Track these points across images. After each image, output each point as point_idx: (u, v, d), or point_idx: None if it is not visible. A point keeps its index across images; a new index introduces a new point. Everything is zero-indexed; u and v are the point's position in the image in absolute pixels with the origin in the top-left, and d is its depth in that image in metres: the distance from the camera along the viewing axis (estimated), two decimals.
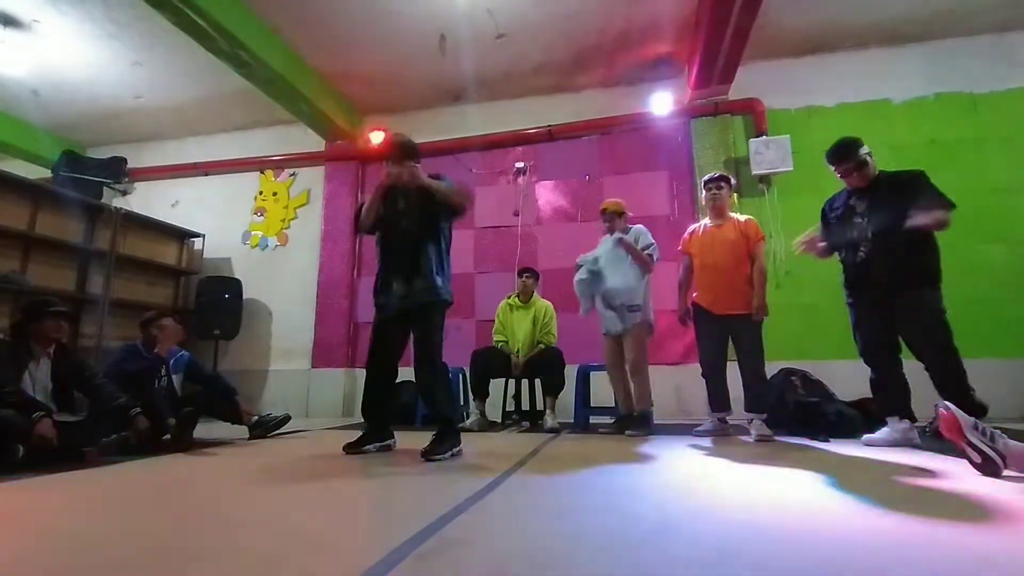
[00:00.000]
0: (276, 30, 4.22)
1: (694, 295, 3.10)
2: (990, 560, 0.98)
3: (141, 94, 5.16)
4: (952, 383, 2.29)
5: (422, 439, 3.02)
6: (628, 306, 3.09)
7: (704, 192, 3.13)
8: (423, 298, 2.37)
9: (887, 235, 2.43)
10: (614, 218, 3.26)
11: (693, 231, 3.20)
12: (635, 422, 3.07)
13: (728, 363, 3.02)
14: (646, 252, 3.13)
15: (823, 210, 2.80)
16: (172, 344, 3.17)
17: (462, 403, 3.99)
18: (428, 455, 2.21)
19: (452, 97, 5.17)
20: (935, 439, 2.31)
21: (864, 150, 2.57)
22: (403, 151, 2.49)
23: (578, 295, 3.24)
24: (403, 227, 2.45)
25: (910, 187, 2.46)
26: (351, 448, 2.50)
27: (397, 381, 4.20)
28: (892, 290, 2.43)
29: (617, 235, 3.19)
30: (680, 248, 3.23)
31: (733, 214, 3.12)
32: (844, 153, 2.60)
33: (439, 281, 2.39)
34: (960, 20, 4.12)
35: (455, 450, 2.32)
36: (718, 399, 3.00)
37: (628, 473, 1.95)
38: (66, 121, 5.66)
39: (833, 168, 2.64)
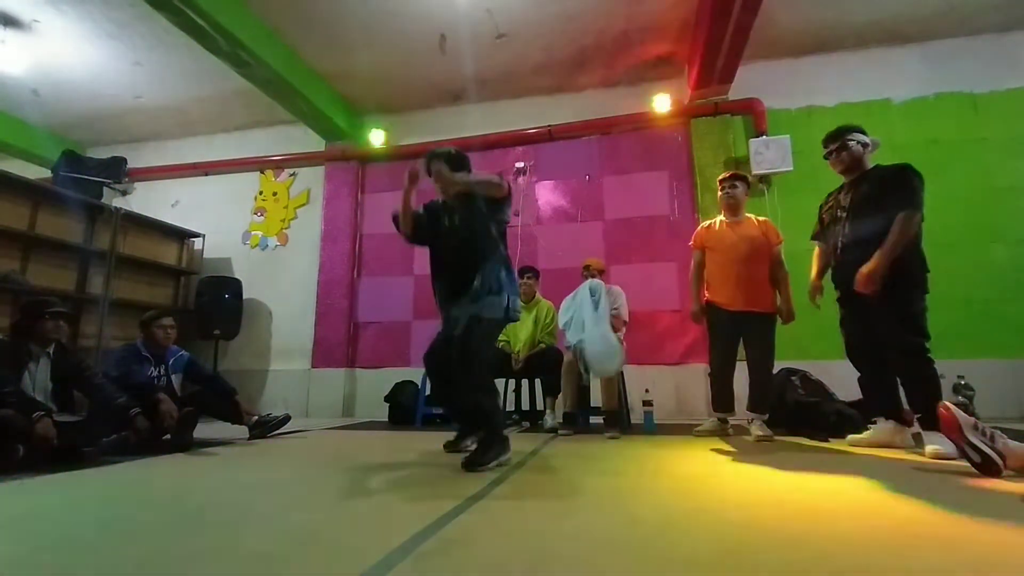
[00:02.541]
0: (276, 30, 4.22)
1: (706, 293, 3.07)
2: (990, 560, 0.98)
3: (141, 94, 5.15)
4: (920, 389, 2.20)
5: (422, 439, 3.04)
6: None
7: (719, 190, 3.10)
8: (489, 316, 2.19)
9: (861, 241, 2.38)
10: (597, 276, 3.42)
11: (708, 226, 3.15)
12: (609, 421, 3.12)
13: (736, 363, 3.00)
14: (614, 309, 3.27)
15: (820, 206, 2.76)
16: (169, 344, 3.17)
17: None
18: (469, 466, 1.98)
19: (452, 97, 5.17)
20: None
21: (854, 136, 2.51)
22: (436, 163, 2.25)
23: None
24: (453, 246, 2.29)
25: (889, 185, 2.37)
26: (450, 447, 2.53)
27: (397, 381, 4.32)
28: (864, 298, 2.35)
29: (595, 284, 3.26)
30: (691, 243, 3.20)
31: (749, 214, 3.11)
32: (831, 135, 2.58)
33: (491, 300, 2.19)
34: (960, 20, 4.12)
35: (503, 458, 2.08)
36: (722, 399, 2.98)
37: (628, 473, 1.95)
38: (66, 121, 5.66)
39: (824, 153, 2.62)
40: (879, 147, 2.60)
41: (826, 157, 2.62)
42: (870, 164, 2.52)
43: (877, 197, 2.38)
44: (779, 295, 2.94)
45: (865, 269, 2.28)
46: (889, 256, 2.25)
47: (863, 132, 2.55)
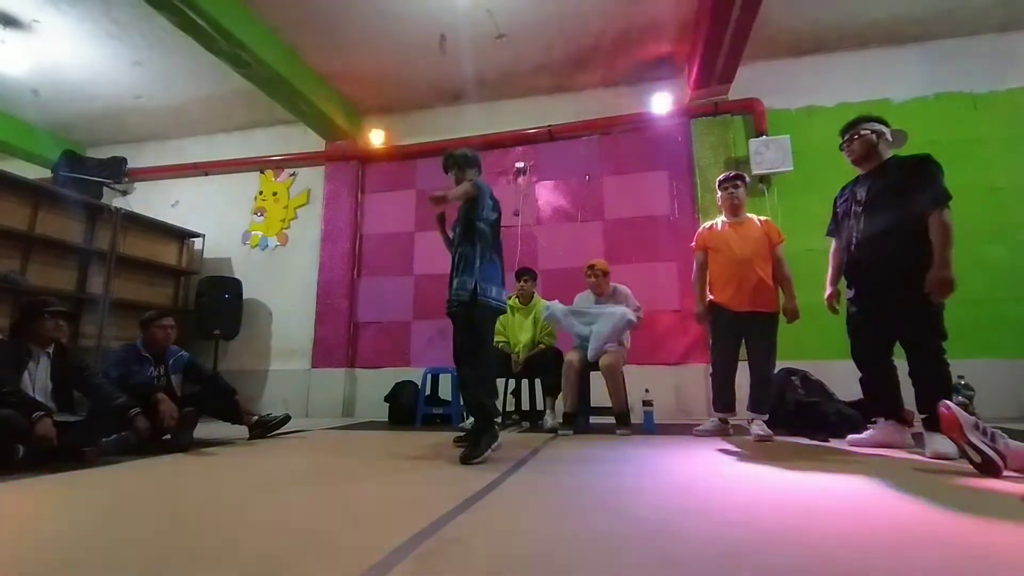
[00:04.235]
0: (276, 30, 4.22)
1: (710, 294, 3.06)
2: (990, 560, 0.98)
3: (141, 94, 5.16)
4: (931, 390, 2.17)
5: (422, 439, 3.04)
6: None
7: (719, 192, 3.09)
8: (456, 299, 2.41)
9: (878, 236, 2.34)
10: (601, 277, 3.45)
11: (711, 227, 3.13)
12: (621, 421, 3.19)
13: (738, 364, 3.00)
14: (637, 314, 3.36)
15: (834, 200, 2.71)
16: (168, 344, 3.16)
17: (462, 403, 4.00)
18: (465, 460, 2.15)
19: (452, 97, 5.17)
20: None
21: (870, 125, 2.46)
22: (450, 163, 2.67)
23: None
24: (454, 234, 2.61)
25: (909, 178, 2.30)
26: (460, 441, 2.69)
27: (397, 381, 4.32)
28: (884, 291, 2.35)
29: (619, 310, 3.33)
30: (693, 245, 3.19)
31: (750, 214, 3.10)
32: (847, 124, 2.54)
33: (468, 282, 2.39)
34: (960, 20, 4.12)
35: (494, 446, 2.27)
36: (723, 400, 2.98)
37: (628, 473, 1.95)
38: (66, 121, 5.66)
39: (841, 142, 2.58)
40: (906, 140, 2.50)
41: (841, 148, 2.57)
42: (888, 155, 2.45)
43: (896, 191, 2.31)
44: (784, 294, 2.93)
45: (934, 279, 2.17)
46: (946, 259, 2.17)
47: (884, 123, 2.48)
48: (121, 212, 4.64)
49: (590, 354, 3.29)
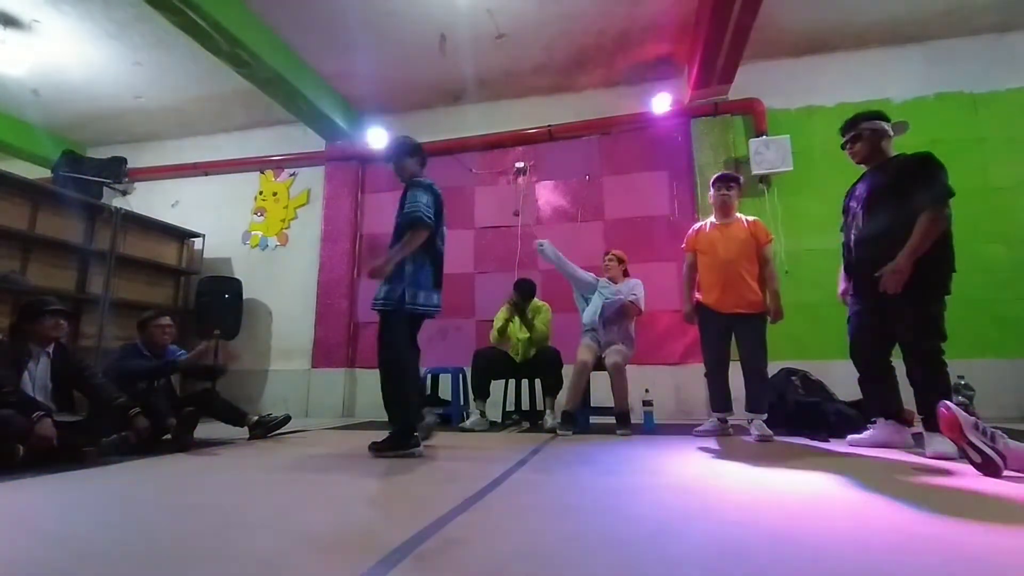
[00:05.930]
0: (276, 30, 4.22)
1: (698, 294, 3.08)
2: (990, 560, 0.98)
3: (141, 94, 5.15)
4: (930, 391, 2.15)
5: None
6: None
7: (713, 191, 3.08)
8: (381, 304, 2.45)
9: (875, 236, 2.32)
10: (614, 263, 3.52)
11: (699, 228, 3.16)
12: (622, 421, 3.18)
13: (730, 363, 3.01)
14: (631, 298, 3.37)
15: (844, 197, 2.65)
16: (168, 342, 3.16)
17: (462, 403, 4.00)
18: (371, 446, 2.42)
19: (452, 97, 5.16)
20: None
21: (871, 123, 2.41)
22: (387, 157, 2.74)
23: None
24: None
25: (909, 177, 2.25)
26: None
27: None
28: (882, 292, 2.29)
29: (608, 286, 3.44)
30: (684, 246, 3.21)
31: (739, 214, 3.10)
32: (846, 124, 2.50)
33: (396, 290, 2.41)
34: (960, 20, 4.12)
35: (400, 453, 2.35)
36: (720, 399, 2.99)
37: (628, 473, 1.95)
38: (66, 121, 5.66)
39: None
40: (908, 130, 2.47)
41: (844, 147, 2.54)
42: (891, 153, 2.42)
43: (895, 189, 2.27)
44: (768, 294, 2.93)
45: (889, 268, 2.20)
46: (911, 257, 2.16)
47: (882, 118, 2.44)
48: (121, 212, 4.63)
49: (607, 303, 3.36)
